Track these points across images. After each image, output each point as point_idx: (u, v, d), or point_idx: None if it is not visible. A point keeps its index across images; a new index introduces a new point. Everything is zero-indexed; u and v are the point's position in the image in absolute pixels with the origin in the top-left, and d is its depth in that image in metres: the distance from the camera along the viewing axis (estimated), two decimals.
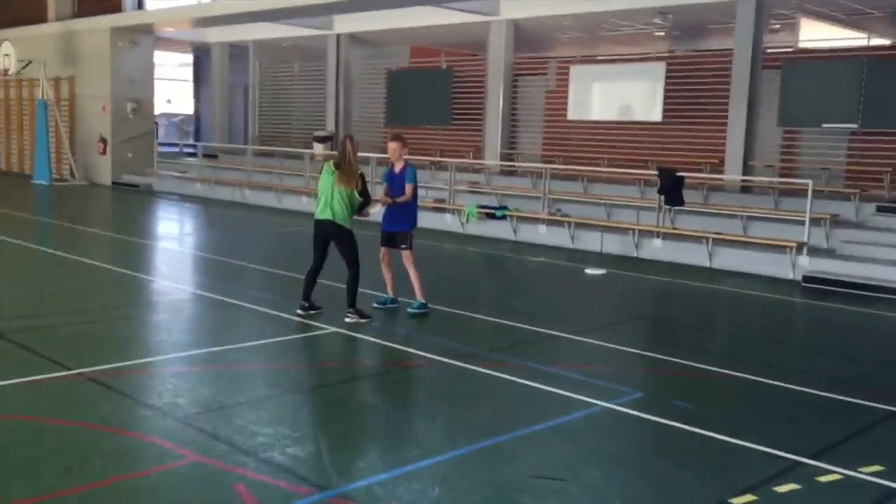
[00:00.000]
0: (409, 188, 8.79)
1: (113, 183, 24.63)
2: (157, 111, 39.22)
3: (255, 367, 6.78)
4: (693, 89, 16.54)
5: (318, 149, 22.71)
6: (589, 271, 12.10)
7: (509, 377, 6.58)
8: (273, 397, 5.98)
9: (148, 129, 25.51)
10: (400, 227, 8.89)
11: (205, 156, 24.81)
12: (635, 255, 13.80)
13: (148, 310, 8.86)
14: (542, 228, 15.08)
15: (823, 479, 4.76)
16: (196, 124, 33.07)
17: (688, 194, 13.90)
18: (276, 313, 8.57)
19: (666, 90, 16.63)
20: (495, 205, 16.27)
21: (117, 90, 24.71)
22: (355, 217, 8.43)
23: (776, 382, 6.73)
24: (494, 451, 5.08)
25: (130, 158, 25.00)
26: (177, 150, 27.50)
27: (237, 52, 27.57)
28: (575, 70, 18.37)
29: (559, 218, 14.89)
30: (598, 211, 15.21)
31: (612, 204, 15.19)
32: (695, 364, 7.20)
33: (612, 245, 14.14)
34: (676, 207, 13.87)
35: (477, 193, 17.17)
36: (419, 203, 9.16)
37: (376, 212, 8.82)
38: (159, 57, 36.04)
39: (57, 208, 19.80)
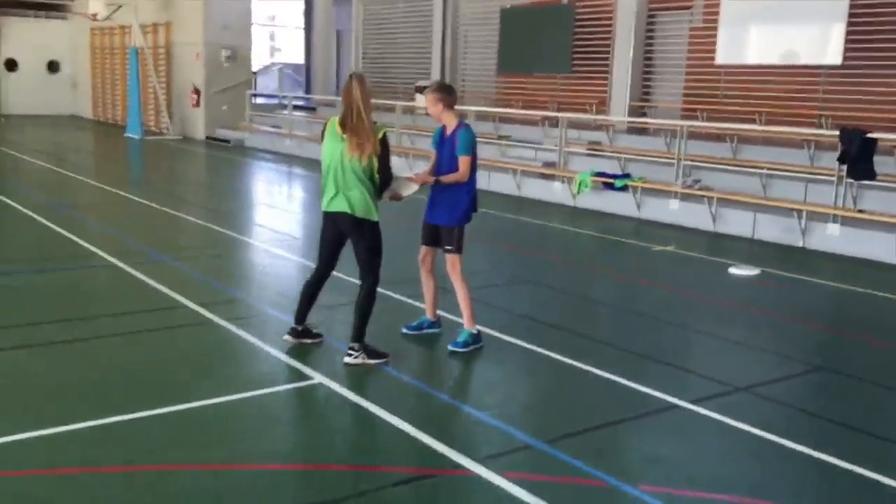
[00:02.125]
0: (462, 162, 5.78)
1: (207, 137, 22.79)
2: (270, 60, 37.65)
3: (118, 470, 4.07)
4: (888, 21, 12.48)
5: (420, 101, 19.93)
6: (735, 271, 8.75)
7: None
8: None
9: (244, 78, 23.42)
10: (443, 219, 5.93)
11: (301, 108, 22.51)
12: (801, 244, 10.25)
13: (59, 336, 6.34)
14: (675, 204, 11.69)
15: None
16: (307, 74, 30.93)
17: (877, 162, 10.15)
18: (255, 341, 5.85)
19: (849, 23, 12.65)
20: (617, 172, 12.96)
21: (211, 37, 22.69)
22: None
23: None
24: None
25: (225, 111, 23.05)
26: (276, 101, 25.29)
27: None
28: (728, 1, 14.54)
29: (697, 192, 11.45)
30: (752, 183, 11.65)
31: (771, 174, 11.58)
32: None
33: (769, 230, 10.62)
34: (864, 182, 10.17)
35: (595, 157, 13.89)
36: (477, 181, 6.06)
37: (411, 195, 5.87)
38: (273, 2, 34.30)
39: (130, 170, 18.03)
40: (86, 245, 8.72)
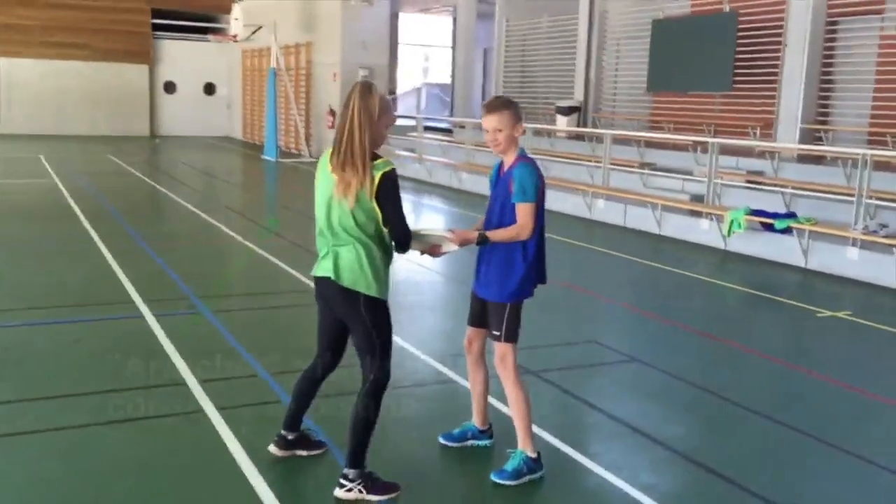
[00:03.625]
0: (521, 212, 4.05)
1: None
2: (424, 80, 37.05)
3: None
4: None
5: (562, 123, 18.18)
6: None
7: None
8: None
9: None
10: (491, 291, 4.19)
11: (438, 130, 21.30)
12: None
13: None
14: (853, 253, 9.30)
15: None
16: (452, 94, 29.84)
17: None
18: (237, 450, 4.34)
19: None
20: (779, 210, 10.66)
21: (348, 56, 21.96)
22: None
23: None
24: None
25: None
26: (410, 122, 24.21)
27: (487, 9, 23.70)
28: None
29: (882, 239, 9.02)
30: None
31: None
32: None
33: None
34: None
35: (754, 190, 11.61)
36: (542, 238, 4.25)
37: (452, 252, 4.20)
38: (420, 22, 33.58)
39: (241, 197, 17.38)
40: (127, 287, 7.61)
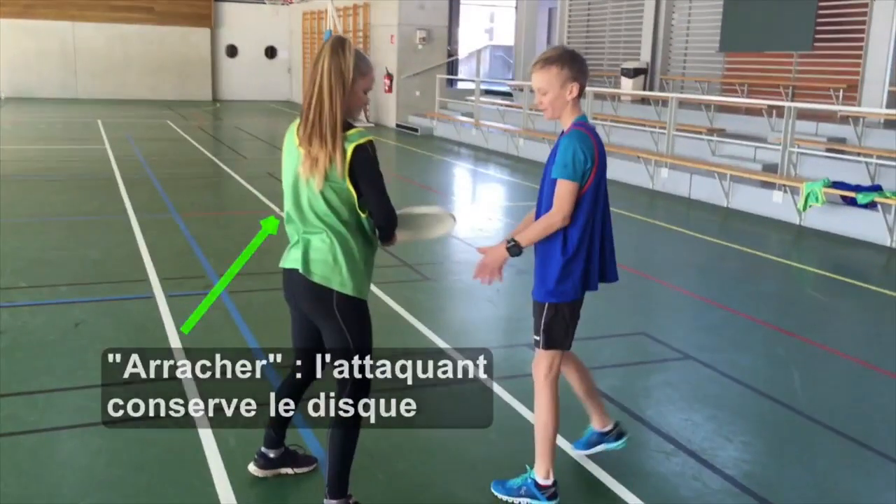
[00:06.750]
0: (557, 189, 3.32)
1: (397, 125, 21.40)
2: (489, 42, 36.03)
3: None
4: None
5: (627, 86, 17.18)
6: None
7: None
8: None
9: (439, 62, 21.76)
10: (533, 288, 3.51)
11: (497, 93, 20.48)
12: None
13: None
14: None
15: None
16: (516, 56, 28.85)
17: None
18: (215, 458, 3.82)
19: None
20: (864, 183, 9.65)
21: (405, 17, 21.24)
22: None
23: None
24: None
25: (418, 97, 21.54)
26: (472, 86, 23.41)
27: None
28: None
29: None
30: None
31: None
32: None
33: None
34: None
35: (835, 159, 10.58)
36: (596, 230, 3.48)
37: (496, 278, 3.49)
38: None
39: None
40: (146, 263, 7.18)
